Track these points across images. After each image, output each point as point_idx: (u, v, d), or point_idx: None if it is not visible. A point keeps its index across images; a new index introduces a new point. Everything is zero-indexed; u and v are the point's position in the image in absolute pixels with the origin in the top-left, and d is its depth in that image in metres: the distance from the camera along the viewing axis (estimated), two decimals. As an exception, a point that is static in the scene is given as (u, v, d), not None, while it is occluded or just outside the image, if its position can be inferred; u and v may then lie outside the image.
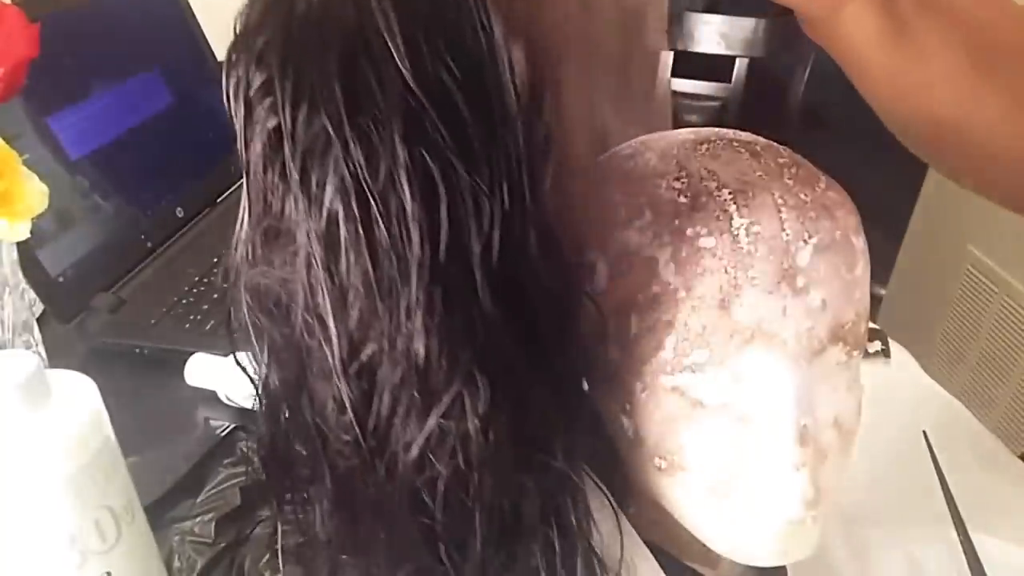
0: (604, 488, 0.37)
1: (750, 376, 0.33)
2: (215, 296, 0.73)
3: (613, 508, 0.37)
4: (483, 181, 0.24)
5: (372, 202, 0.24)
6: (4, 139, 0.50)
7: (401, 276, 0.24)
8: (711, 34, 1.47)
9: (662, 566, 0.37)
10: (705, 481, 0.35)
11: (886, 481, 0.48)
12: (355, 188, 0.24)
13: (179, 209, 0.84)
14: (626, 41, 0.40)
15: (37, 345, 0.61)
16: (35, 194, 0.52)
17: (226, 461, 0.55)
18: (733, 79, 1.48)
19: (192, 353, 0.62)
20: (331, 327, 0.25)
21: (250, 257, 0.27)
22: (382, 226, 0.24)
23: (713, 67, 1.49)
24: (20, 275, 0.58)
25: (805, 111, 1.46)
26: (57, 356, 0.63)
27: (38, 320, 0.62)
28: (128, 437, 0.40)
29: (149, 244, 0.79)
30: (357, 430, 0.26)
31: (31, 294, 0.62)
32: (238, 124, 0.26)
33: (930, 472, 0.48)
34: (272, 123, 0.25)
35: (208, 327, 0.68)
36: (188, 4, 0.94)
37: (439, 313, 0.24)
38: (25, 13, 0.53)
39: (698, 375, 0.34)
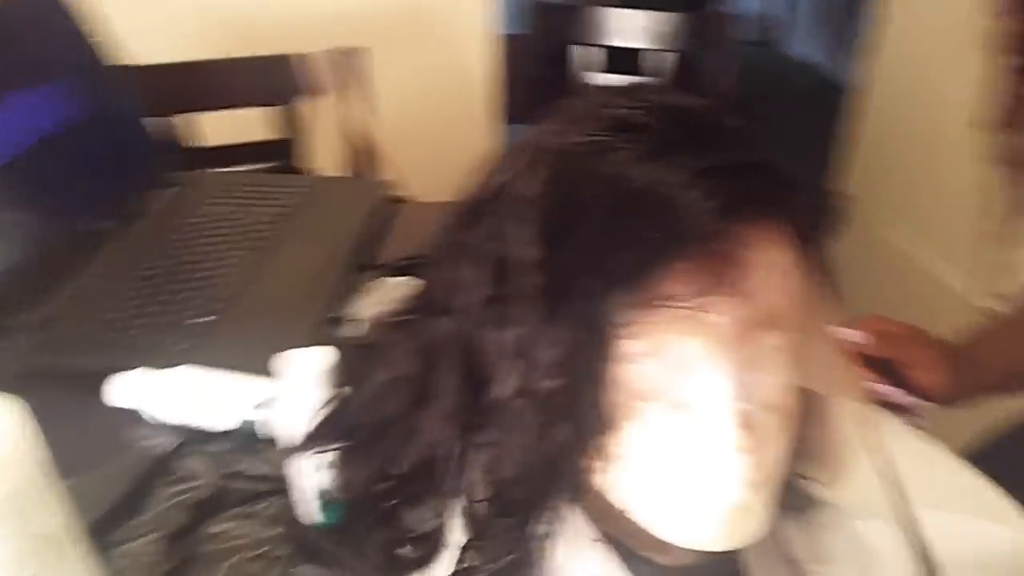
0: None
1: (688, 365, 0.34)
2: (151, 311, 0.70)
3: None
4: None
5: None
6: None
7: None
8: (633, 29, 1.50)
9: (620, 557, 0.38)
10: (650, 471, 0.36)
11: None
12: None
13: (102, 223, 0.81)
14: None
15: (-42, 370, 0.58)
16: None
17: (167, 480, 0.53)
18: (655, 73, 1.51)
19: (122, 371, 0.60)
20: None
21: None
22: None
23: (636, 62, 1.53)
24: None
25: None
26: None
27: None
28: (62, 460, 0.39)
29: (72, 260, 0.76)
30: None
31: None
32: None
33: (876, 449, 0.50)
34: None
35: (136, 344, 0.66)
36: (88, 15, 0.90)
37: None
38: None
39: (637, 367, 0.34)
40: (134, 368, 0.60)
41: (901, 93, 1.71)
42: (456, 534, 0.40)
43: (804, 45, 3.98)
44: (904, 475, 0.47)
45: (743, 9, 4.09)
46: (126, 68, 0.94)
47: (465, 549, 0.38)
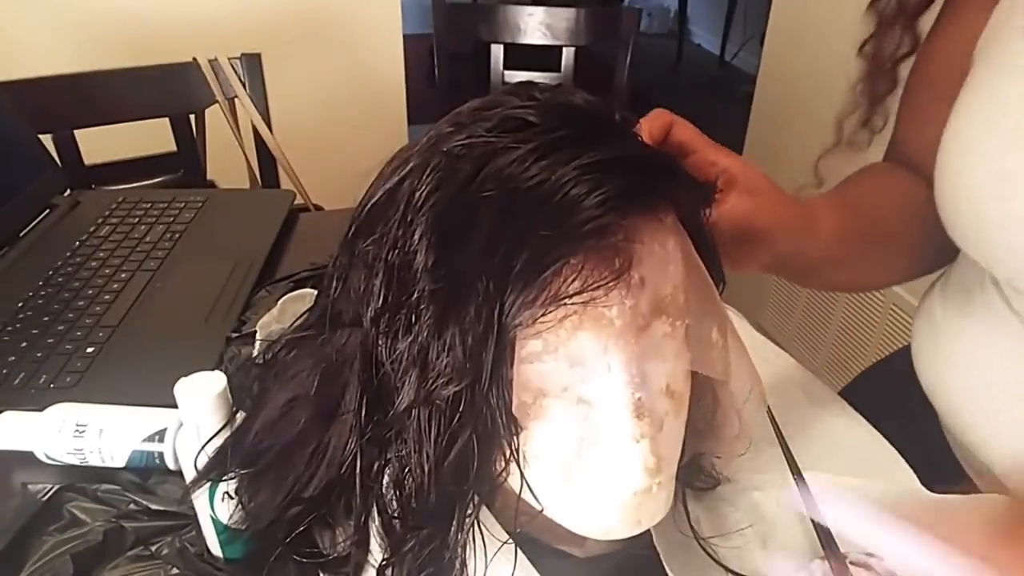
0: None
1: (584, 359, 0.34)
2: (23, 345, 0.65)
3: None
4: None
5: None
6: None
7: None
8: (536, 25, 1.51)
9: (535, 554, 0.37)
10: (555, 467, 0.36)
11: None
12: None
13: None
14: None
15: None
16: None
17: (51, 528, 0.49)
18: (562, 68, 1.52)
19: (1, 411, 0.55)
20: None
21: None
22: None
23: (543, 58, 1.54)
24: None
25: (631, 93, 1.52)
26: None
27: None
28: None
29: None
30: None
31: None
32: None
33: (768, 423, 0.52)
34: None
35: (18, 381, 0.61)
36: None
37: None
38: None
39: (536, 365, 0.34)
40: (3, 410, 0.55)
41: (788, 82, 1.77)
42: (373, 553, 0.38)
43: (706, 36, 4.12)
44: (796, 443, 0.49)
45: (647, 3, 4.20)
46: (9, 83, 0.88)
47: (383, 567, 0.37)
